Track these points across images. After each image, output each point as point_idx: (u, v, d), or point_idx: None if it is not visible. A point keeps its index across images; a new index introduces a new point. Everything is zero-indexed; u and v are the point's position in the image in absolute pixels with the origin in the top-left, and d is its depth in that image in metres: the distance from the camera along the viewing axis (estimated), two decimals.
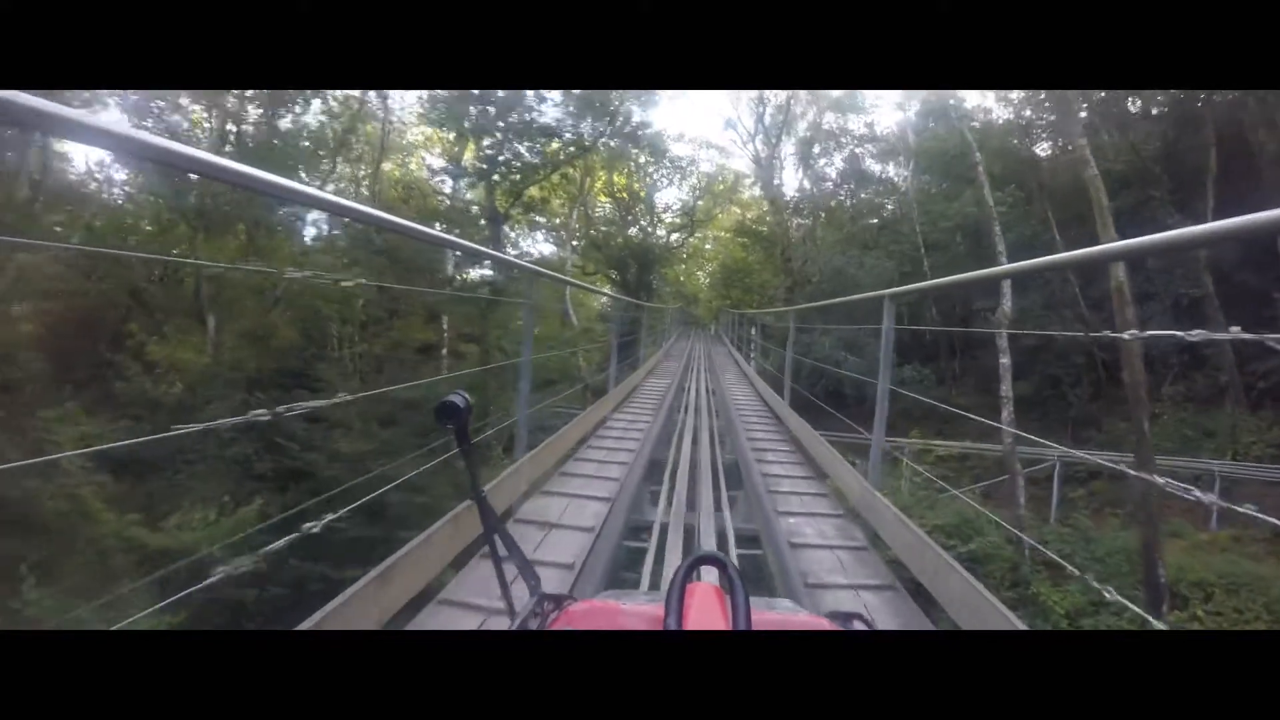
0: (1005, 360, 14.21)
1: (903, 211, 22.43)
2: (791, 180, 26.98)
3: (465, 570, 2.48)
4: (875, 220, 23.55)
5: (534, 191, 20.64)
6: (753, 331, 15.60)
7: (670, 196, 34.32)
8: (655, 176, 28.28)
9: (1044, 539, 10.51)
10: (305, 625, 1.49)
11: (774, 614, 0.79)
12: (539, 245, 29.30)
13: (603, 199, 28.54)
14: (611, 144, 21.46)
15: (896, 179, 24.06)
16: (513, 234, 26.90)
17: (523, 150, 17.98)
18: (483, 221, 18.56)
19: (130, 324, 11.93)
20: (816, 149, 25.00)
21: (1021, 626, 1.76)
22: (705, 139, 28.78)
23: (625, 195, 27.87)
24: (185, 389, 10.37)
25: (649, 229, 29.01)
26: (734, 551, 3.16)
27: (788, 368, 6.71)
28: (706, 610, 0.63)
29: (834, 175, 24.60)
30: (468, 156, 18.52)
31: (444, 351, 15.53)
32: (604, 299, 28.58)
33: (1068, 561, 2.25)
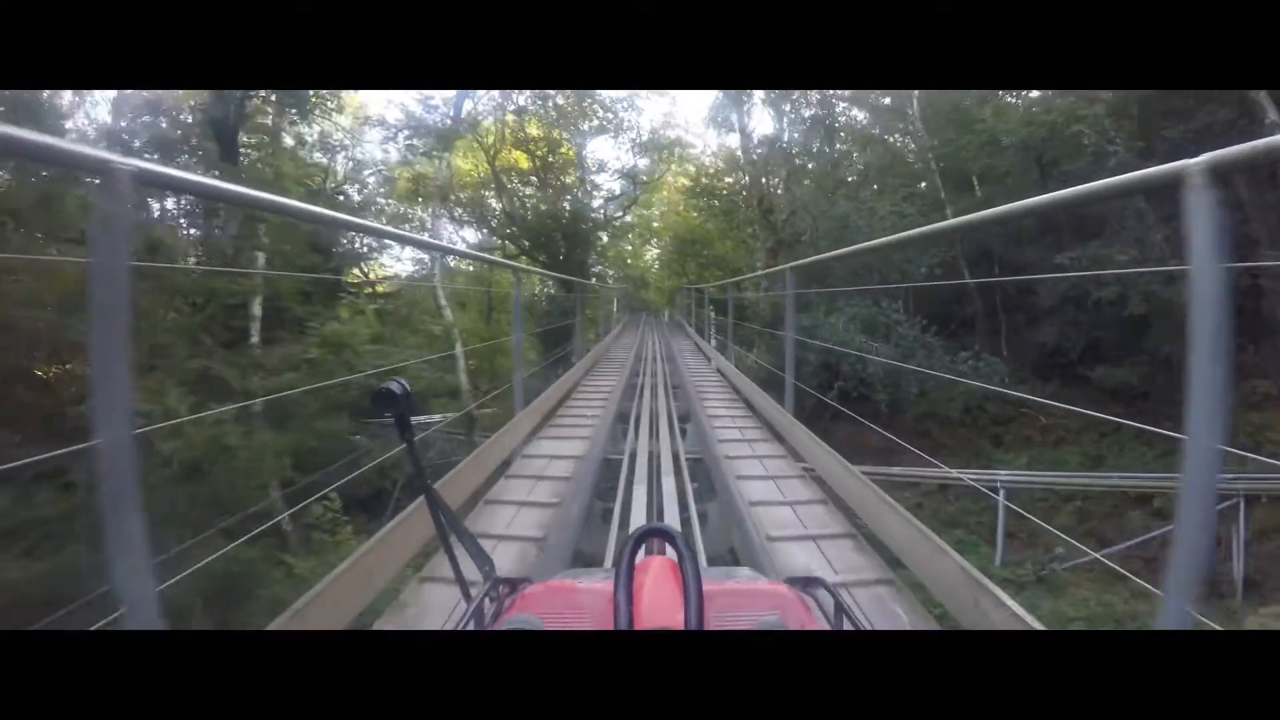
0: None
1: (908, 146, 16.97)
2: (764, 120, 20.97)
3: (404, 594, 2.24)
4: (860, 163, 17.94)
5: None
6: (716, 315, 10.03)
7: (605, 152, 28.03)
8: (584, 126, 21.99)
9: None
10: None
11: (732, 583, 0.76)
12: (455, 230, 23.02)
13: (521, 162, 22.10)
14: None
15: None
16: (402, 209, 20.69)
17: None
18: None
19: None
20: None
21: (1035, 626, 1.57)
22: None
23: (544, 150, 21.46)
24: None
25: (580, 195, 22.71)
26: None
27: None
28: (660, 585, 0.61)
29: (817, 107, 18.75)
30: None
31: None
32: (544, 287, 22.47)
33: None
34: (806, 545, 2.61)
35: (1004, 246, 15.85)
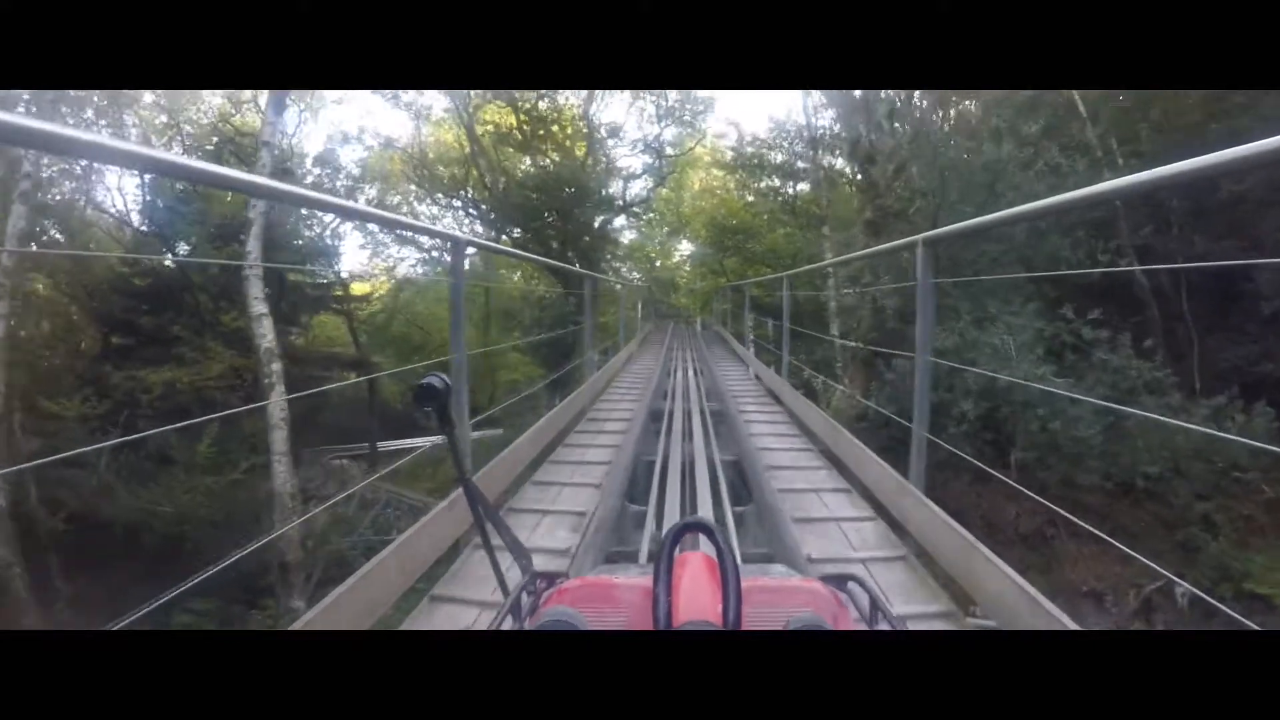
0: None
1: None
2: None
3: (456, 564, 2.33)
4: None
5: None
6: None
7: (619, 117, 23.01)
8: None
9: None
10: (296, 626, 1.46)
11: (767, 579, 0.72)
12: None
13: (510, 120, 17.08)
14: None
15: None
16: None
17: None
18: None
19: None
20: None
21: (1072, 626, 1.52)
22: None
23: (532, 102, 16.24)
24: None
25: (587, 167, 17.65)
26: None
27: None
28: (697, 580, 0.59)
29: None
30: None
31: None
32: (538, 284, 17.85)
33: None
34: None
35: (1176, 234, 10.78)
